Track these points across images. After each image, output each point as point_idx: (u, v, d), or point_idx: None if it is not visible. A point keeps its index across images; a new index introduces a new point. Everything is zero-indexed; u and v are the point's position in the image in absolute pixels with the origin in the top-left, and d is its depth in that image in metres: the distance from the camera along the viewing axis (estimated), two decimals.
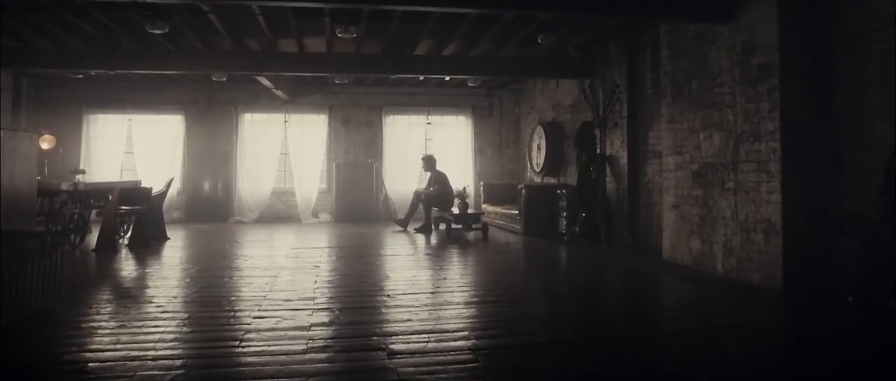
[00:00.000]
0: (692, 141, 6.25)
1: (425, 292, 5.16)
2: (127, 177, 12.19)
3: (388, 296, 4.97)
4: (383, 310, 4.49)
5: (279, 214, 12.52)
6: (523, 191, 9.56)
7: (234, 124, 12.39)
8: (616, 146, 8.47)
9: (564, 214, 8.97)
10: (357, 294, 5.10)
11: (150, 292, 5.19)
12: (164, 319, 4.16)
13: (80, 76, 10.38)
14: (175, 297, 4.91)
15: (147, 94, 12.14)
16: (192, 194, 12.23)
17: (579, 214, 8.52)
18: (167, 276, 5.98)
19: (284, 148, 12.50)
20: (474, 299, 4.98)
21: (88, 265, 6.68)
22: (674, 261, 6.50)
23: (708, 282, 5.55)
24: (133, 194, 7.98)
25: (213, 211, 12.11)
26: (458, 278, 6.00)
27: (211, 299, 4.80)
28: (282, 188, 12.59)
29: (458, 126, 13.04)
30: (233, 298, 4.90)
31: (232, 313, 4.36)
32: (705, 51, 6.01)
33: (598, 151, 8.09)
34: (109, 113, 12.15)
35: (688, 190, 6.30)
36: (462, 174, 12.58)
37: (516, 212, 9.77)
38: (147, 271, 6.35)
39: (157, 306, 4.54)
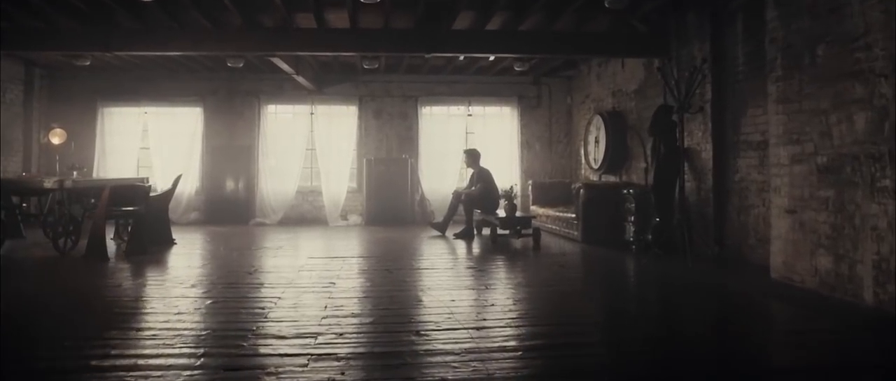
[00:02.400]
0: (817, 125, 4.75)
1: (467, 326, 3.84)
2: (144, 174, 11.29)
3: (416, 334, 3.67)
4: (409, 360, 3.18)
5: (305, 215, 11.39)
6: (581, 191, 8.14)
7: (257, 117, 11.32)
8: (696, 137, 6.98)
9: (632, 218, 7.53)
10: (375, 330, 3.82)
11: (109, 320, 4.01)
12: (95, 371, 2.95)
13: (88, 63, 9.46)
14: (137, 330, 3.72)
15: (163, 84, 11.19)
16: (210, 193, 11.22)
17: (652, 219, 7.06)
18: (144, 296, 4.82)
19: (311, 143, 11.37)
20: (533, 343, 3.63)
21: (62, 278, 5.60)
22: (789, 283, 5.00)
23: (854, 319, 4.05)
24: (128, 193, 6.91)
25: (233, 212, 11.08)
26: (509, 303, 4.66)
27: (179, 336, 3.58)
28: (307, 187, 11.46)
29: (502, 118, 11.67)
30: (209, 332, 3.67)
31: (197, 361, 3.13)
32: (840, 4, 4.51)
33: (678, 142, 6.60)
34: (124, 105, 11.24)
35: (811, 190, 4.81)
36: (507, 172, 11.22)
37: (573, 215, 8.36)
38: (125, 287, 5.21)
39: (102, 345, 3.35)
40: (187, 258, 6.86)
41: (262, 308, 4.30)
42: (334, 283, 5.28)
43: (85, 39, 7.34)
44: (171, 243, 7.91)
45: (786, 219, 5.09)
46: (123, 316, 4.13)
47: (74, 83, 11.14)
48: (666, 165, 6.52)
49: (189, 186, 11.12)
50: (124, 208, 6.89)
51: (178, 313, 4.12)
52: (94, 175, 10.98)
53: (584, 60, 10.55)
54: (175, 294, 4.77)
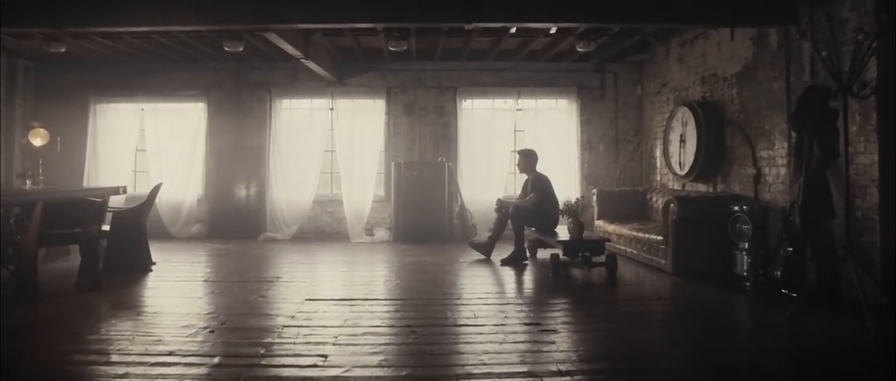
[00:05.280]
0: None
1: None
2: (140, 180, 9.82)
3: None
4: None
5: (323, 229, 9.69)
6: (672, 206, 6.14)
7: (267, 113, 9.66)
8: (849, 134, 4.90)
9: (746, 245, 5.49)
10: None
11: None
12: None
13: (63, 49, 7.91)
14: None
15: (162, 75, 9.68)
16: (215, 202, 9.62)
17: (783, 248, 5.02)
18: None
19: (330, 143, 9.64)
20: None
21: None
22: None
23: None
24: (71, 209, 5.27)
25: (240, 224, 9.45)
26: None
27: None
28: (326, 196, 9.75)
29: (558, 113, 9.71)
30: None
31: None
32: None
33: (832, 142, 4.51)
34: (119, 101, 9.75)
35: None
36: (565, 178, 9.29)
37: (658, 237, 6.36)
38: (12, 356, 3.49)
39: None
40: (148, 297, 5.19)
41: None
42: (326, 357, 3.48)
43: (28, 14, 5.74)
44: (146, 268, 6.29)
45: None
46: None
47: (63, 77, 9.72)
48: (822, 172, 4.42)
49: (191, 194, 9.58)
50: (68, 231, 5.25)
51: None
52: (85, 182, 9.55)
53: (661, 41, 8.53)
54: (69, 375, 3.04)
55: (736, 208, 5.62)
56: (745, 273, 5.48)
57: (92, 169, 9.61)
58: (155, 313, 4.55)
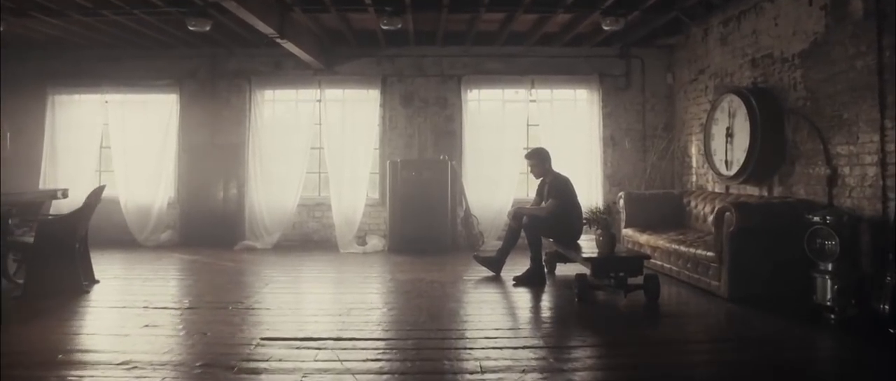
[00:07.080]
0: None
1: None
2: (105, 181, 8.65)
3: None
4: None
5: (310, 236, 8.53)
6: (728, 214, 4.92)
7: (247, 105, 8.52)
8: None
9: (830, 267, 4.27)
10: None
11: None
12: None
13: (1, 29, 6.80)
14: None
15: (129, 63, 8.56)
16: (188, 205, 8.50)
17: (890, 273, 3.80)
18: None
19: (318, 139, 8.48)
20: None
21: None
22: None
23: None
24: None
25: (216, 231, 8.33)
26: None
27: None
28: (313, 199, 8.59)
29: (577, 104, 8.49)
30: None
31: None
32: None
33: None
34: (81, 92, 8.65)
35: None
36: (586, 179, 8.08)
37: (708, 253, 5.14)
38: None
39: None
40: (59, 335, 4.03)
41: None
42: None
43: None
44: (80, 290, 5.15)
45: None
46: None
47: (18, 65, 8.56)
48: None
49: (160, 197, 8.47)
50: None
51: None
52: (41, 183, 8.44)
53: (698, 20, 7.33)
54: None
55: (815, 218, 4.40)
56: (828, 303, 4.26)
57: (49, 169, 8.51)
58: (47, 363, 3.38)
